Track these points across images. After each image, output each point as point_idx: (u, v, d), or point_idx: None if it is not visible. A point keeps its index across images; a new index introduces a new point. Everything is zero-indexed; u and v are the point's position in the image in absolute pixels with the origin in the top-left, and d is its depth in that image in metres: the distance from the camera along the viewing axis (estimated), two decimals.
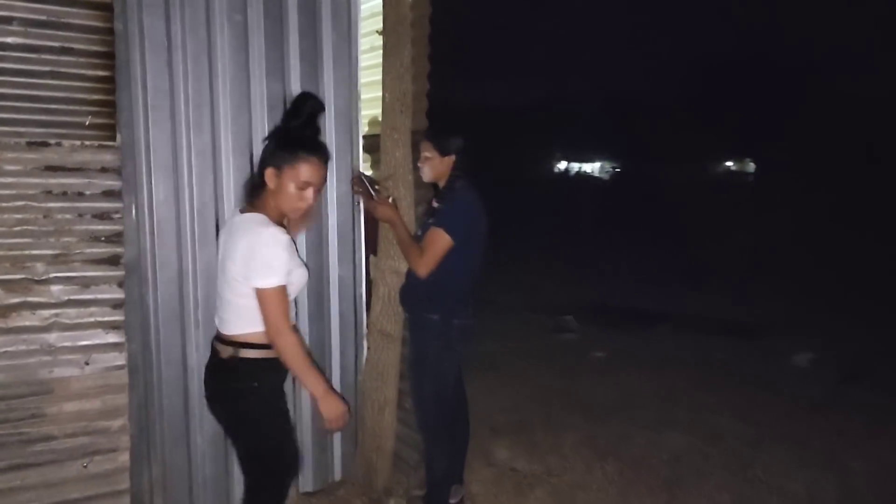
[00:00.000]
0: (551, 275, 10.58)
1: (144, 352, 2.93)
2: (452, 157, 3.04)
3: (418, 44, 3.41)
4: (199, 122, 3.02)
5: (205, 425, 3.12)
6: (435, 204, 3.07)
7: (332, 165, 3.38)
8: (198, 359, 3.06)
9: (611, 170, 40.55)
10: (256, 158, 3.10)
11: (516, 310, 8.17)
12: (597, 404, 4.91)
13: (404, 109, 3.38)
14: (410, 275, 3.08)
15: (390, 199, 3.12)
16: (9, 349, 2.58)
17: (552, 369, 5.83)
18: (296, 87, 3.23)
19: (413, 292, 3.10)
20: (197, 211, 3.04)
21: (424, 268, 2.93)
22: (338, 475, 3.56)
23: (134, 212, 2.84)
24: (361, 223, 3.50)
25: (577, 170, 42.30)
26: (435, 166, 3.06)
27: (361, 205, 3.45)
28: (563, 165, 42.36)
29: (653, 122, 31.08)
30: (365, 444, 3.54)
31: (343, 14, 3.37)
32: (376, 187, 3.20)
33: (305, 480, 3.45)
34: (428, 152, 3.06)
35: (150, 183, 2.92)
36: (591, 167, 43.17)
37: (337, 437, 3.54)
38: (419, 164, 3.14)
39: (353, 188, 3.40)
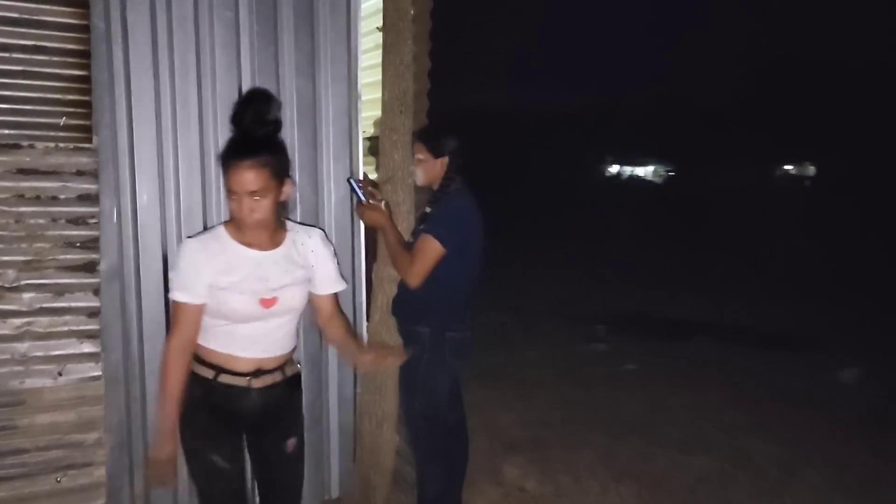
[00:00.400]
0: (590, 281, 10.28)
1: (126, 362, 2.82)
2: (446, 159, 2.84)
3: (419, 40, 3.23)
4: (185, 123, 2.90)
5: None
6: (427, 209, 2.89)
7: (330, 168, 3.24)
8: None
9: (664, 173, 39.73)
10: None
11: (548, 317, 7.94)
12: (621, 420, 4.65)
13: (404, 109, 3.21)
14: (401, 284, 2.91)
15: (383, 203, 2.94)
16: None
17: (578, 381, 5.58)
18: (289, 86, 3.09)
19: (403, 302, 2.92)
20: (183, 216, 2.92)
21: (415, 277, 2.75)
22: (335, 492, 3.41)
23: (115, 217, 2.74)
24: (362, 228, 3.35)
25: (629, 173, 41.60)
26: (428, 169, 2.88)
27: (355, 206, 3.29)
28: (614, 169, 41.69)
29: (709, 124, 30.25)
30: (363, 461, 3.38)
31: (341, 9, 3.22)
32: (370, 189, 3.02)
33: (305, 496, 3.30)
34: (420, 154, 2.88)
35: (133, 187, 2.80)
36: (644, 171, 42.39)
37: (334, 452, 3.39)
38: (412, 167, 2.97)
39: (352, 194, 3.25)
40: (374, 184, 3.13)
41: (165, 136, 2.87)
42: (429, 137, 2.90)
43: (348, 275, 3.29)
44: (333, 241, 3.28)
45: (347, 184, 3.11)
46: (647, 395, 5.21)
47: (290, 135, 3.12)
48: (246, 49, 3.01)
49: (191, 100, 2.90)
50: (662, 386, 5.44)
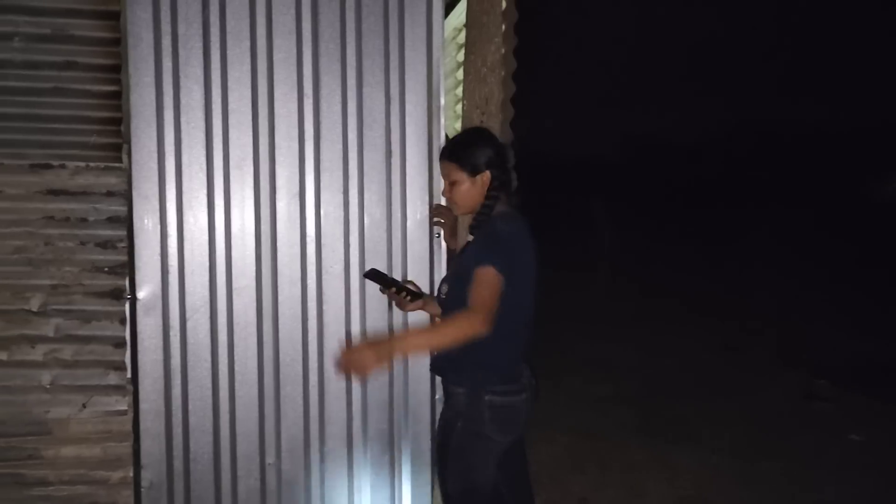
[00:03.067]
0: (834, 320, 8.65)
1: (167, 396, 2.64)
2: (487, 175, 2.28)
3: (507, 38, 2.70)
4: (238, 139, 2.67)
5: (239, 483, 2.74)
6: (469, 238, 2.33)
7: (405, 186, 2.83)
8: (230, 407, 2.71)
9: None
10: (305, 176, 2.73)
11: (767, 362, 6.75)
12: None
13: (485, 118, 2.70)
14: None
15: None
16: (8, 384, 2.44)
17: (782, 450, 4.55)
18: (353, 99, 2.73)
19: (440, 355, 2.37)
20: (233, 242, 2.69)
21: (481, 317, 2.07)
22: None
23: (158, 244, 2.57)
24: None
25: None
26: (465, 192, 2.31)
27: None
28: None
29: None
30: None
31: (420, 9, 2.79)
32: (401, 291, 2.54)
33: None
34: (454, 175, 2.31)
35: (179, 210, 2.62)
36: None
37: None
38: (445, 197, 2.43)
39: (432, 217, 2.80)
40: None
41: (216, 153, 2.66)
42: (460, 153, 2.32)
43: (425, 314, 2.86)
44: (409, 267, 2.87)
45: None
46: (875, 478, 4.08)
47: (356, 150, 2.76)
48: (306, 59, 2.71)
49: (244, 113, 2.67)
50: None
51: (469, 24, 2.78)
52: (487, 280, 2.13)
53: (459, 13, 3.28)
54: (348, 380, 2.51)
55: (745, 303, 9.71)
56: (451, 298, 2.29)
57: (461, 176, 2.29)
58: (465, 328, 2.07)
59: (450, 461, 2.28)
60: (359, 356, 2.00)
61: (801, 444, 4.68)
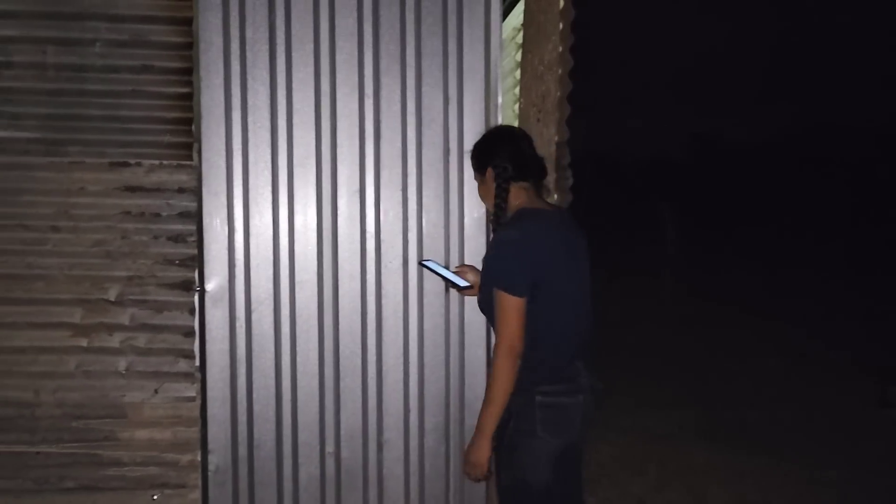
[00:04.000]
0: None
1: (233, 384, 2.76)
2: (490, 171, 2.30)
3: (564, 37, 2.72)
4: (302, 138, 2.77)
5: (300, 470, 2.84)
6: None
7: (463, 185, 2.88)
8: (292, 397, 2.81)
9: None
10: (366, 174, 2.81)
11: (840, 369, 6.54)
12: None
13: (542, 117, 2.73)
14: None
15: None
16: (88, 369, 2.59)
17: (852, 457, 4.41)
18: (412, 98, 2.80)
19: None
20: (296, 237, 2.79)
21: (506, 346, 2.16)
22: None
23: (226, 238, 2.70)
24: None
25: None
26: (481, 190, 2.42)
27: None
28: None
29: None
30: None
31: (479, 9, 2.84)
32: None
33: None
34: (475, 176, 2.43)
35: (246, 207, 2.74)
36: None
37: None
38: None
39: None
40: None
41: (280, 154, 2.77)
42: (471, 153, 2.41)
43: (478, 312, 2.89)
44: (465, 263, 2.91)
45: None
46: None
47: (415, 148, 2.83)
48: (367, 61, 2.80)
49: (307, 113, 2.77)
50: None
51: (526, 23, 2.81)
52: (500, 304, 2.19)
53: (518, 13, 3.32)
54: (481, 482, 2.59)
55: (815, 308, 9.43)
56: (481, 300, 2.38)
57: (476, 175, 2.37)
58: (503, 369, 2.17)
59: (503, 459, 2.30)
60: (471, 468, 2.25)
61: (873, 452, 4.54)
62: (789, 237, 16.39)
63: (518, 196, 2.29)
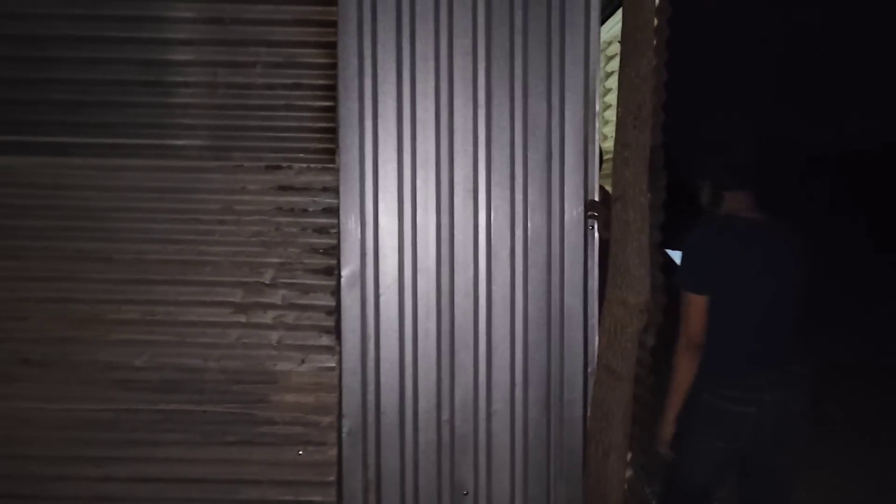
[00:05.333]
0: None
1: (364, 358, 3.18)
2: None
3: (658, 51, 3.05)
4: (423, 145, 3.18)
5: (419, 435, 3.24)
6: None
7: (564, 186, 3.24)
8: (413, 370, 3.22)
9: None
10: (478, 175, 3.20)
11: None
12: None
13: (638, 124, 3.06)
14: None
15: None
16: (246, 341, 3.04)
17: None
18: (519, 108, 3.18)
19: None
20: (418, 230, 3.20)
21: (683, 342, 2.46)
22: None
23: (359, 231, 3.12)
24: (595, 250, 3.26)
25: None
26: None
27: (596, 230, 3.22)
28: None
29: None
30: (590, 489, 3.26)
31: (579, 30, 3.20)
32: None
33: None
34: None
35: (375, 203, 3.16)
36: None
37: (561, 475, 3.33)
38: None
39: (587, 212, 3.20)
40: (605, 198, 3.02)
41: (405, 158, 3.18)
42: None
43: (578, 298, 3.27)
44: (565, 260, 3.27)
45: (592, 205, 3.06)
46: None
47: (521, 153, 3.20)
48: (481, 79, 3.19)
49: (428, 121, 3.17)
50: None
51: (623, 40, 3.14)
52: (683, 302, 2.49)
53: (608, 29, 3.67)
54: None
55: None
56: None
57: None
58: (681, 364, 2.48)
59: (680, 442, 2.59)
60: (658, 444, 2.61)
61: None
62: None
63: (731, 202, 2.56)
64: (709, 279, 2.39)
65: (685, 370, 2.42)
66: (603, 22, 3.76)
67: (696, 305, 2.39)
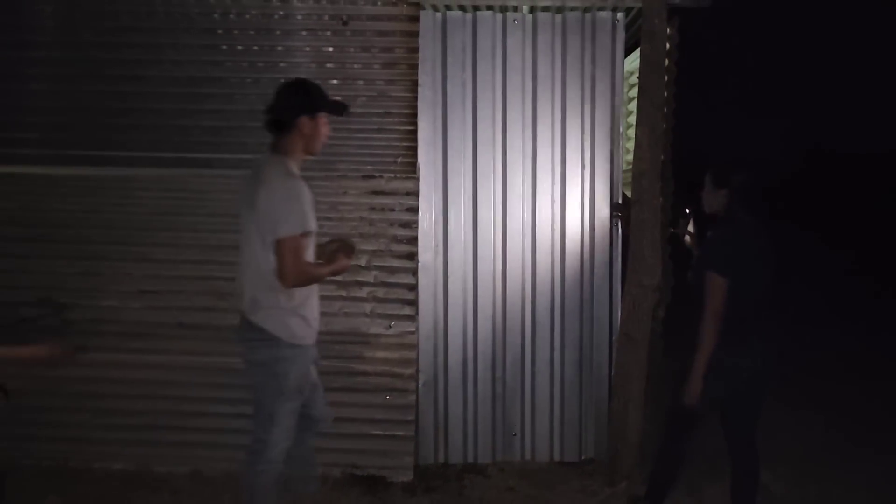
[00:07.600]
0: None
1: (436, 325, 4.05)
2: (724, 191, 3.13)
3: (669, 87, 3.89)
4: (485, 160, 4.04)
5: (478, 387, 4.10)
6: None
7: (595, 191, 4.07)
8: (473, 336, 4.08)
9: None
10: (527, 183, 4.05)
11: None
12: None
13: (652, 143, 3.88)
14: None
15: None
16: (346, 310, 3.93)
17: None
18: (558, 130, 4.03)
19: None
20: (480, 227, 4.06)
21: (707, 316, 3.00)
22: (589, 453, 4.17)
23: (433, 226, 4.00)
24: (619, 242, 4.10)
25: None
26: (707, 198, 3.21)
27: (619, 227, 4.06)
28: None
29: None
30: (613, 433, 4.08)
31: (607, 64, 4.04)
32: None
33: (565, 451, 4.17)
34: (706, 184, 3.21)
35: (445, 204, 4.04)
36: None
37: (591, 421, 4.16)
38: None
39: (612, 213, 4.04)
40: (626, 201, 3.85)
41: (469, 169, 4.04)
42: (714, 168, 3.19)
43: (605, 280, 4.11)
44: (595, 250, 4.12)
45: (616, 206, 3.90)
46: None
47: (559, 165, 4.05)
48: (528, 103, 4.05)
49: (487, 139, 4.04)
50: None
51: (640, 77, 3.97)
52: (709, 283, 3.05)
53: (629, 62, 4.47)
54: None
55: None
56: (693, 285, 3.24)
57: (709, 186, 3.20)
58: (708, 332, 3.05)
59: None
60: (687, 397, 3.09)
61: None
62: None
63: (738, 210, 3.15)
64: (730, 264, 3.05)
65: (711, 336, 3.03)
66: (625, 55, 4.58)
67: (720, 285, 3.03)
